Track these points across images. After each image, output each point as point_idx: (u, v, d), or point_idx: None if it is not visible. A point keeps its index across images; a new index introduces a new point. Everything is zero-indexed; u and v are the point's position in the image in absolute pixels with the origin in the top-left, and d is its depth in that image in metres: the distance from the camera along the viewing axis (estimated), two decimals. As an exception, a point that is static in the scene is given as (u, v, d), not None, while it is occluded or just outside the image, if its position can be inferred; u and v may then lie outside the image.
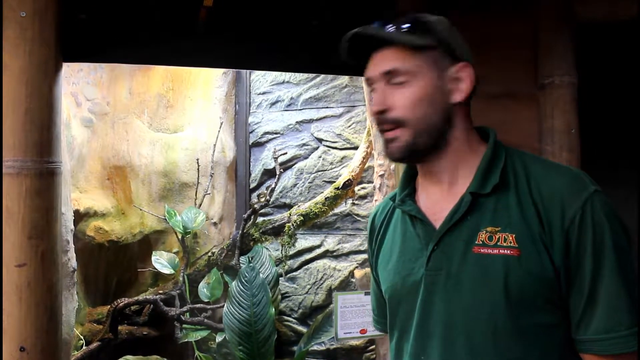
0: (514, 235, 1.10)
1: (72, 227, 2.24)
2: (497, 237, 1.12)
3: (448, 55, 1.19)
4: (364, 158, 3.60)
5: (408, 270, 1.23)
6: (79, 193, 3.32)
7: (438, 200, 1.23)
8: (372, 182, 3.55)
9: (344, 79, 3.99)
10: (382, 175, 3.02)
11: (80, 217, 3.25)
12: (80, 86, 3.40)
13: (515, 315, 1.09)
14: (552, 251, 1.08)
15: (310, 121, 4.09)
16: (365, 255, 3.81)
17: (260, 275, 3.48)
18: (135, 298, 3.43)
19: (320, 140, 4.06)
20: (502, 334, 1.10)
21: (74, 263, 2.17)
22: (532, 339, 1.10)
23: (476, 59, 1.23)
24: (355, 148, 3.82)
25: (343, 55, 1.24)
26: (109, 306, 3.27)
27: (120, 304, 3.27)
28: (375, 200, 3.20)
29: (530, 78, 2.08)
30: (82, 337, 3.20)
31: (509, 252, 1.10)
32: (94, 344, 3.15)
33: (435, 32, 1.18)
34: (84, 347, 3.14)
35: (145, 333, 3.44)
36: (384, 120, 1.19)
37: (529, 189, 1.13)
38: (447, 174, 1.22)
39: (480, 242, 1.13)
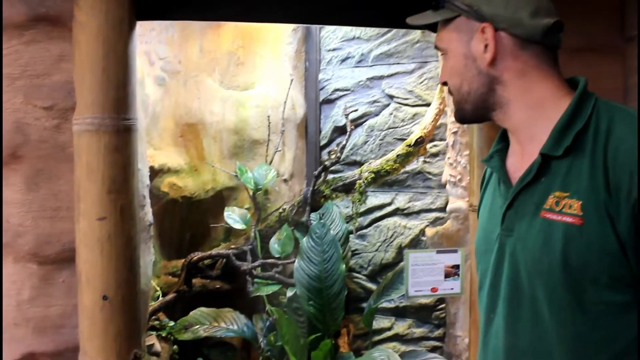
0: (580, 203, 1.03)
1: (148, 182, 2.30)
2: (563, 203, 1.05)
3: (474, 19, 1.16)
4: (436, 115, 3.53)
5: (490, 228, 1.22)
6: (154, 150, 3.40)
7: (518, 159, 1.20)
8: (445, 140, 3.48)
9: (416, 34, 3.89)
10: (455, 133, 2.96)
11: (154, 173, 3.34)
12: (153, 45, 3.45)
13: (578, 290, 1.03)
14: (617, 222, 1.00)
15: (381, 78, 4.02)
16: (435, 214, 3.79)
17: (331, 231, 3.50)
18: (209, 252, 3.52)
19: (391, 97, 3.99)
20: (563, 307, 1.05)
21: (150, 217, 2.23)
22: (599, 317, 1.03)
23: (557, 10, 1.16)
24: (428, 105, 3.74)
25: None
26: (183, 260, 3.37)
27: (194, 258, 3.36)
28: (448, 158, 3.14)
29: (617, 30, 1.97)
30: (158, 289, 3.32)
31: (571, 220, 1.03)
32: (170, 295, 3.26)
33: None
34: (160, 298, 3.26)
35: (217, 286, 3.54)
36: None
37: (605, 152, 1.03)
38: (522, 132, 1.17)
39: (548, 207, 1.08)
